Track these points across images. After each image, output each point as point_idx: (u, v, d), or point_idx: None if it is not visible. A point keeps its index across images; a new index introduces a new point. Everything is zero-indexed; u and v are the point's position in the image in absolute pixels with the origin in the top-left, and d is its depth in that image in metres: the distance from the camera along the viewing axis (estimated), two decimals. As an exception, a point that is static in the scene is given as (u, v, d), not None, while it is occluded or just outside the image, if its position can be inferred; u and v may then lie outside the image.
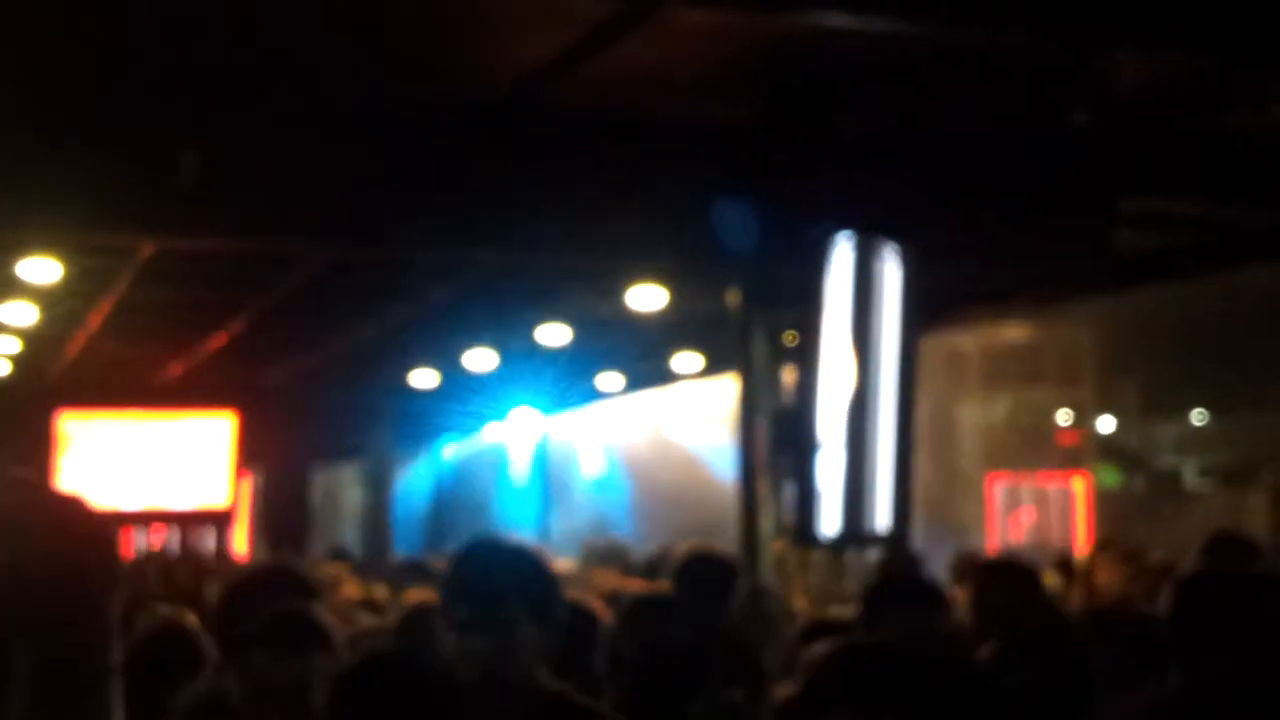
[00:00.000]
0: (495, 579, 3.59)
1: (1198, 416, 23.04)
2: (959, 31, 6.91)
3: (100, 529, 2.56)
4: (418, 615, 5.48)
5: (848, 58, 7.31)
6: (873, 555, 9.78)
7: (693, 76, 7.61)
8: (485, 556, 3.69)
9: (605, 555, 12.10)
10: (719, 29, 7.09)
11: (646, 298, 11.08)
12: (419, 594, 6.71)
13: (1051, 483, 18.46)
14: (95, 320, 13.01)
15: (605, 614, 5.50)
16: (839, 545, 8.99)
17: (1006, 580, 5.55)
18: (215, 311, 13.14)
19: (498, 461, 26.13)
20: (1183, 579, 3.94)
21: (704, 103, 8.04)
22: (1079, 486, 18.16)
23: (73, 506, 2.55)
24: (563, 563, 10.57)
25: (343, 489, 26.45)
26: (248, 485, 20.10)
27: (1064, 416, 19.14)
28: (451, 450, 26.88)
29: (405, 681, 3.46)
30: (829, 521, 8.49)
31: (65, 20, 6.79)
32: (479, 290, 11.64)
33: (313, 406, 18.09)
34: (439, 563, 10.80)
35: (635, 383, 18.49)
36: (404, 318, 13.02)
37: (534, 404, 21.72)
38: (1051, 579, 8.56)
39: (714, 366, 15.49)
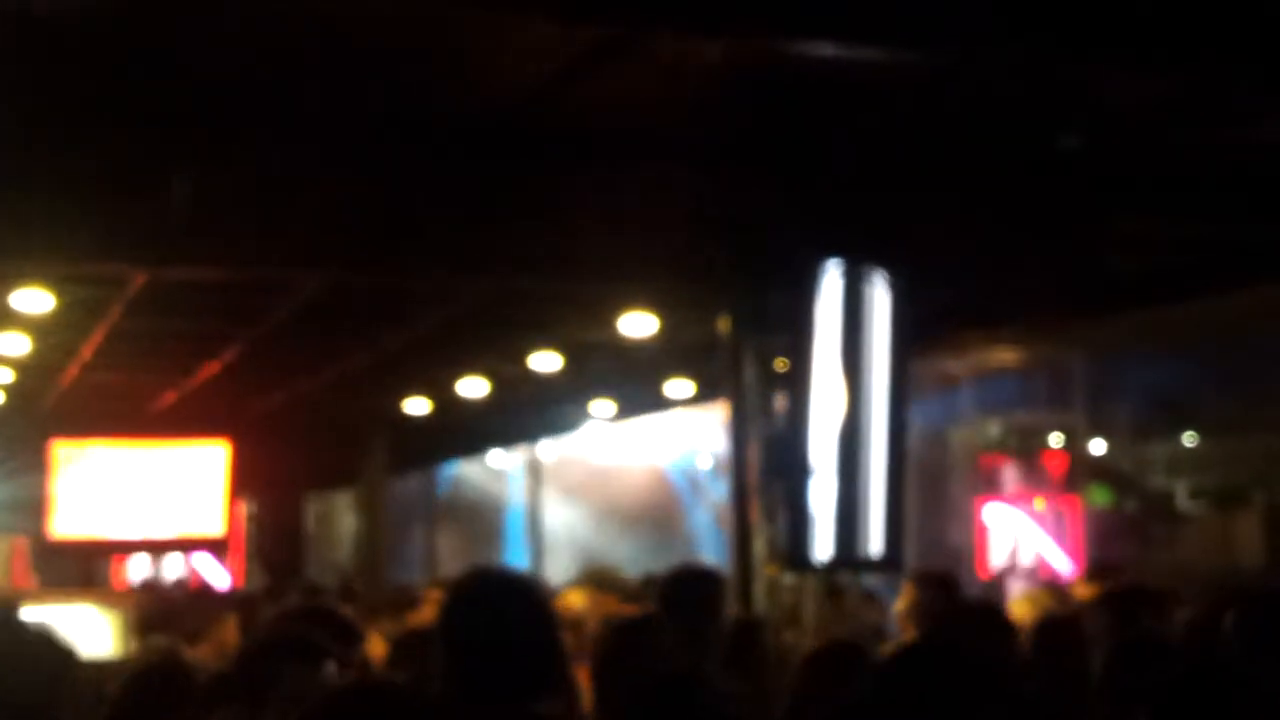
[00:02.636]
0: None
1: (1189, 438, 23.07)
2: (947, 59, 6.94)
3: (53, 665, 2.57)
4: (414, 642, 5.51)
5: (837, 84, 7.34)
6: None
7: (682, 103, 7.65)
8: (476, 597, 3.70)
9: (600, 581, 12.06)
10: (707, 56, 7.12)
11: (638, 324, 11.10)
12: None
13: (1045, 505, 18.47)
14: (88, 350, 13.01)
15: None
16: (832, 570, 9.00)
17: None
18: (207, 340, 13.14)
19: (490, 487, 26.15)
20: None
21: (694, 129, 8.08)
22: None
23: (28, 641, 2.57)
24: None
25: (337, 515, 26.46)
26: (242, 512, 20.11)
27: (1055, 439, 19.16)
28: (445, 476, 26.89)
29: (382, 708, 3.48)
30: (822, 547, 8.51)
31: (55, 51, 6.81)
32: (471, 318, 11.65)
33: (306, 434, 18.09)
34: (430, 591, 10.81)
35: (627, 409, 18.50)
36: (396, 346, 13.02)
37: (526, 430, 21.73)
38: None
39: (706, 393, 15.49)
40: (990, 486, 18.44)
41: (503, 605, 3.60)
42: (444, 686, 3.57)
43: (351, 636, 4.69)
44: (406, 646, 5.67)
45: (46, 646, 3.97)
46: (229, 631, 9.40)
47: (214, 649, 8.36)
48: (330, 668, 4.18)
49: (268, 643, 4.44)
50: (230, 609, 10.53)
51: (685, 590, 5.64)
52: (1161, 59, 6.83)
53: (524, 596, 3.65)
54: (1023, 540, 17.95)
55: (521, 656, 3.53)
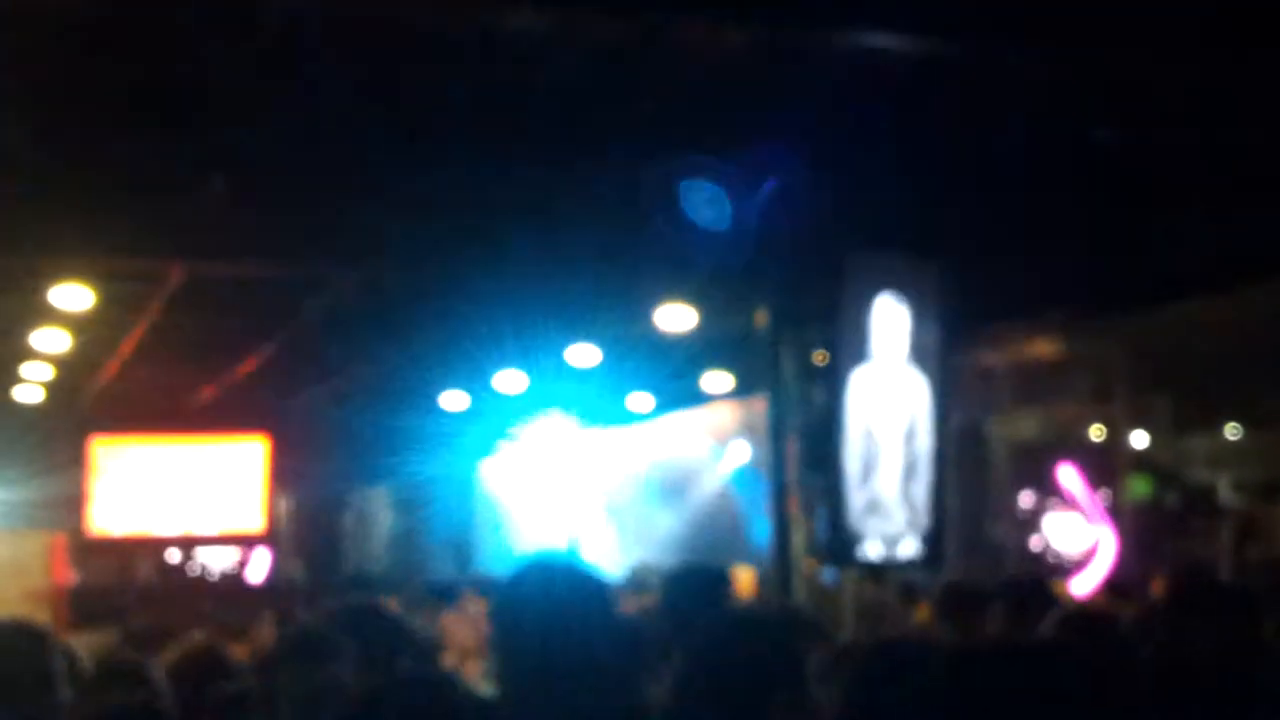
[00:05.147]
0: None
1: (1231, 431, 22.92)
2: (997, 49, 6.89)
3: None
4: None
5: (876, 76, 7.30)
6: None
7: (719, 95, 7.61)
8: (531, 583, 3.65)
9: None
10: (740, 49, 7.09)
11: (675, 318, 11.07)
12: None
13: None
14: (127, 346, 13.07)
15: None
16: (872, 566, 8.96)
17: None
18: (246, 336, 13.19)
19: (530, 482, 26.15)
20: None
21: (731, 121, 8.04)
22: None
23: None
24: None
25: (375, 511, 26.49)
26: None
27: (1096, 432, 19.06)
28: (483, 471, 26.91)
29: (425, 705, 3.45)
30: (860, 542, 8.47)
31: (94, 50, 6.83)
32: (509, 312, 11.64)
33: (344, 430, 18.13)
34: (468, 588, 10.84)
35: (665, 403, 18.47)
36: (434, 341, 13.03)
37: (564, 424, 21.72)
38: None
39: (744, 386, 15.46)
40: (1029, 480, 18.36)
41: (558, 598, 3.53)
42: (498, 684, 3.52)
43: (400, 635, 4.67)
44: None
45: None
46: (267, 630, 9.50)
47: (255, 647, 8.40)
48: (345, 667, 4.15)
49: (276, 649, 4.43)
50: (264, 606, 10.64)
51: (689, 587, 5.61)
52: (1202, 49, 6.77)
53: (580, 588, 3.57)
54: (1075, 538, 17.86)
55: (577, 653, 3.46)
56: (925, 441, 8.79)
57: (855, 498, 8.41)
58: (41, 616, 13.09)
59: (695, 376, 15.81)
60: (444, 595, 11.23)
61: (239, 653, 5.79)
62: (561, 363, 13.96)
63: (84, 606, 14.33)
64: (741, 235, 8.57)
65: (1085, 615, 5.35)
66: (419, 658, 5.11)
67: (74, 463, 17.00)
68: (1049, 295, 10.81)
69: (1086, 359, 17.53)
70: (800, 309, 9.02)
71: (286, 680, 4.13)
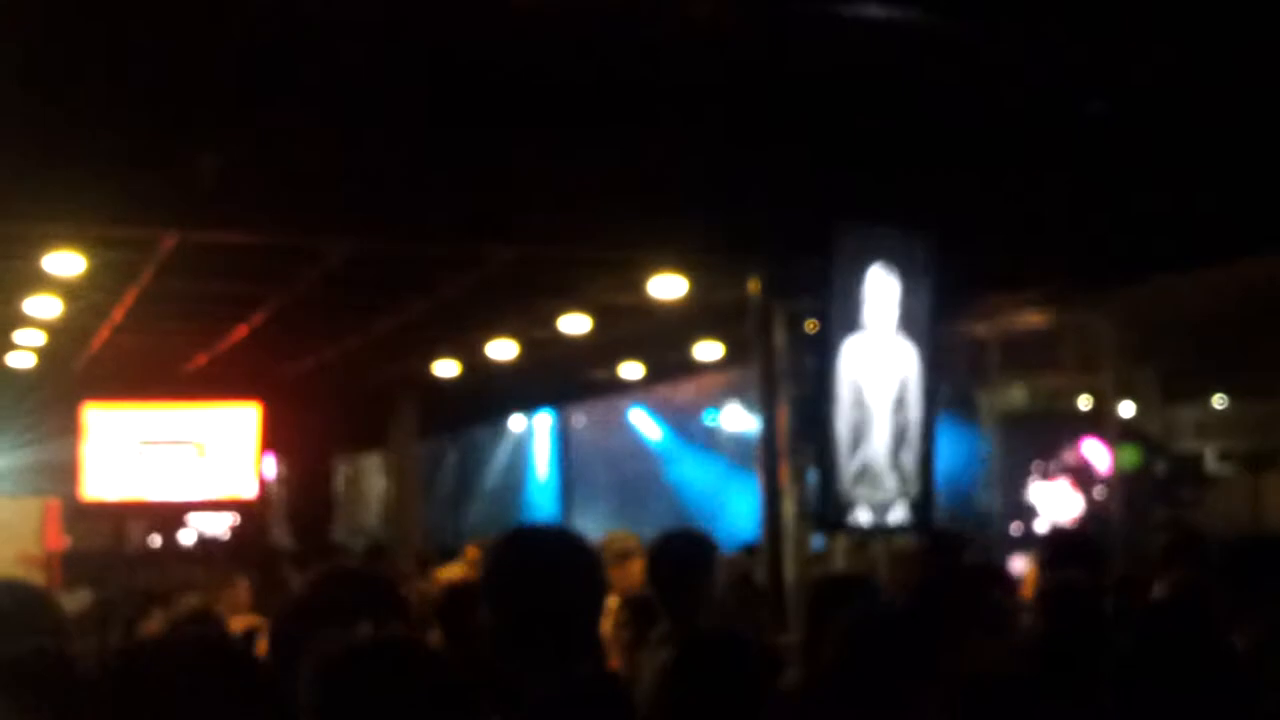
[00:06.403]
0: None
1: (1218, 401, 23.04)
2: (989, 22, 6.92)
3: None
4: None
5: (870, 48, 7.32)
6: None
7: (713, 64, 7.63)
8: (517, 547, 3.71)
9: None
10: (735, 20, 7.10)
11: (667, 287, 11.10)
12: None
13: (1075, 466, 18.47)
14: (119, 313, 13.07)
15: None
16: (861, 533, 9.03)
17: None
18: (238, 303, 13.19)
19: (519, 449, 26.24)
20: None
21: (725, 90, 8.06)
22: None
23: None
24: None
25: (366, 477, 26.56)
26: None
27: (1084, 402, 19.15)
28: (474, 438, 26.98)
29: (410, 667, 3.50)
30: (851, 509, 8.54)
31: (86, 15, 6.84)
32: (500, 281, 11.66)
33: (336, 396, 18.16)
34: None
35: (656, 372, 18.50)
36: (425, 309, 13.05)
37: (555, 393, 21.77)
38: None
39: (735, 355, 15.49)
40: (1019, 449, 18.44)
41: (549, 565, 3.58)
42: (489, 648, 3.56)
43: (393, 599, 4.71)
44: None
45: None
46: (240, 593, 9.60)
47: (227, 610, 8.49)
48: (364, 630, 4.19)
49: (293, 610, 4.46)
50: (243, 571, 10.74)
51: (674, 553, 5.65)
52: (1190, 29, 6.80)
53: (570, 556, 3.63)
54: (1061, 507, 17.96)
55: (566, 618, 3.51)
56: (915, 410, 8.85)
57: (846, 465, 8.47)
58: (35, 581, 13.14)
59: (686, 346, 15.84)
60: (432, 562, 11.30)
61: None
62: (553, 331, 14.00)
63: (77, 571, 14.37)
64: (735, 204, 8.60)
65: (1068, 586, 5.41)
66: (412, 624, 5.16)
67: (66, 429, 17.02)
68: (1038, 267, 10.84)
69: (1075, 330, 17.61)
70: (793, 278, 9.06)
71: (292, 647, 4.17)
